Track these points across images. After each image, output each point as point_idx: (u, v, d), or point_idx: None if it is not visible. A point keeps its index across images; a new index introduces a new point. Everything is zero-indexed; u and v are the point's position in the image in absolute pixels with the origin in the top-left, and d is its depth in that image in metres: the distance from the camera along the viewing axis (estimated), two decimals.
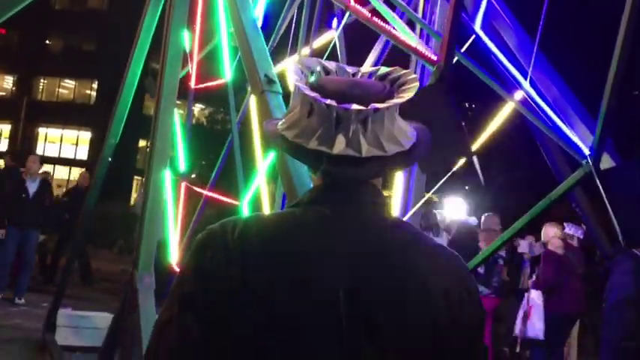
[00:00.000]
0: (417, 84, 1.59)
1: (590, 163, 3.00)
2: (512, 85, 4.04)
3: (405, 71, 1.62)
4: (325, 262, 1.49)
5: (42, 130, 44.80)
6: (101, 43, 39.18)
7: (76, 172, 37.13)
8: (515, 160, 23.87)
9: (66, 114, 41.84)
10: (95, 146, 37.32)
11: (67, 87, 45.51)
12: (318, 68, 1.62)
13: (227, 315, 1.46)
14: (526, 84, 3.81)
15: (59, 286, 8.14)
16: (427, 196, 5.63)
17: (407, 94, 1.57)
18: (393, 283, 1.50)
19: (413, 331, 1.50)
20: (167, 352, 1.48)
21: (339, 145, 1.50)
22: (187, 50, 6.80)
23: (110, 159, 7.14)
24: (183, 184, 6.79)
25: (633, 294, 5.77)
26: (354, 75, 1.65)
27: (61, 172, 43.71)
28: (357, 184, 1.57)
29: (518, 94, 3.95)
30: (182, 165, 6.84)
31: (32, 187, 10.45)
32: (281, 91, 3.80)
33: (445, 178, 4.36)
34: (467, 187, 28.10)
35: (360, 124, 1.51)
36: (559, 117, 3.73)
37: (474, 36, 4.28)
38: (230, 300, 1.47)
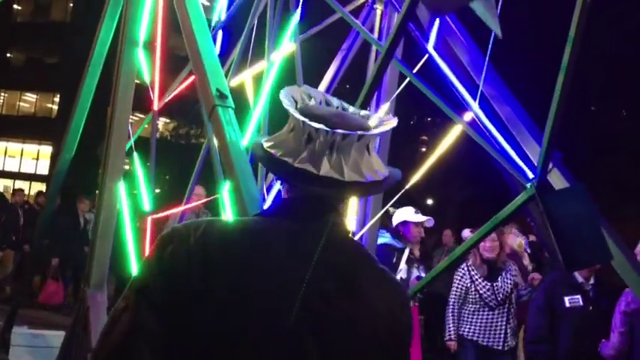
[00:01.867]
0: (394, 124, 1.76)
1: (534, 187, 3.05)
2: (463, 106, 4.07)
3: (392, 118, 1.78)
4: (283, 276, 1.59)
5: (1, 145, 43.91)
6: (64, 56, 38.57)
7: (37, 187, 36.47)
8: (476, 175, 24.24)
9: (27, 128, 41.08)
10: (57, 161, 36.65)
11: (28, 100, 44.74)
12: (320, 97, 1.76)
13: (184, 310, 1.54)
14: (475, 105, 3.85)
15: (13, 304, 7.93)
16: (385, 208, 5.62)
17: (377, 131, 1.71)
18: (346, 301, 1.62)
19: (358, 345, 1.61)
20: (120, 336, 1.54)
21: (325, 167, 1.62)
22: (147, 80, 6.33)
23: (65, 174, 7.02)
24: (149, 219, 6.27)
25: (542, 302, 6.01)
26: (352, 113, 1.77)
27: (20, 187, 42.82)
28: (320, 204, 1.69)
29: (469, 115, 3.98)
30: (146, 203, 6.31)
31: None
32: (233, 105, 3.77)
33: (400, 192, 4.37)
34: (430, 202, 28.37)
35: (327, 147, 1.63)
36: (508, 137, 3.77)
37: (427, 55, 4.31)
38: (188, 296, 1.54)
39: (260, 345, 1.53)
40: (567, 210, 3.02)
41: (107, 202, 5.27)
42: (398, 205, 5.76)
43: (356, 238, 5.55)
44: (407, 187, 4.09)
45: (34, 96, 44.43)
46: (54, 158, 39.57)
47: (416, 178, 4.29)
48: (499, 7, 3.77)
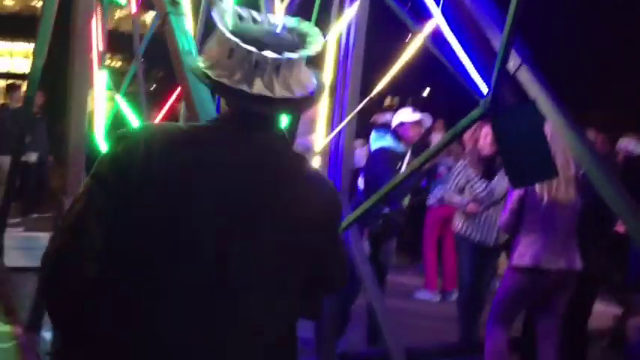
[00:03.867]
0: (322, 39, 1.92)
1: (488, 103, 3.00)
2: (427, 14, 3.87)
3: (309, 25, 1.95)
4: (225, 175, 1.82)
5: None
6: None
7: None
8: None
9: (14, 27, 40.14)
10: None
11: None
12: (247, 14, 1.90)
13: (131, 194, 1.78)
14: (437, 12, 3.68)
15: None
16: (356, 110, 5.38)
17: (314, 48, 1.88)
18: (272, 197, 1.85)
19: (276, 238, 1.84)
20: (77, 214, 1.81)
21: (257, 86, 1.81)
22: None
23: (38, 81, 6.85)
24: None
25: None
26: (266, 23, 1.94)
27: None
28: (255, 119, 1.88)
29: (431, 24, 3.81)
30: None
31: None
32: (184, 13, 3.66)
33: (367, 99, 4.29)
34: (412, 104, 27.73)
35: (274, 70, 1.82)
36: (469, 47, 3.63)
37: None
38: (136, 185, 1.78)
39: (187, 226, 1.77)
40: (517, 128, 3.01)
41: (76, 111, 5.13)
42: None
43: (330, 136, 5.32)
44: (371, 95, 4.01)
45: None
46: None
47: (379, 87, 4.18)
48: None
